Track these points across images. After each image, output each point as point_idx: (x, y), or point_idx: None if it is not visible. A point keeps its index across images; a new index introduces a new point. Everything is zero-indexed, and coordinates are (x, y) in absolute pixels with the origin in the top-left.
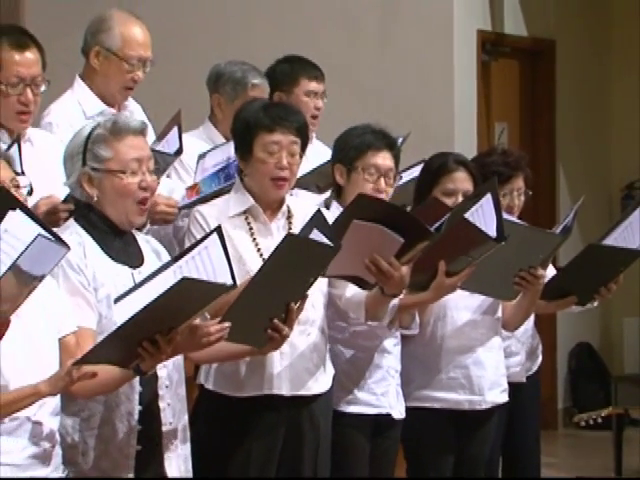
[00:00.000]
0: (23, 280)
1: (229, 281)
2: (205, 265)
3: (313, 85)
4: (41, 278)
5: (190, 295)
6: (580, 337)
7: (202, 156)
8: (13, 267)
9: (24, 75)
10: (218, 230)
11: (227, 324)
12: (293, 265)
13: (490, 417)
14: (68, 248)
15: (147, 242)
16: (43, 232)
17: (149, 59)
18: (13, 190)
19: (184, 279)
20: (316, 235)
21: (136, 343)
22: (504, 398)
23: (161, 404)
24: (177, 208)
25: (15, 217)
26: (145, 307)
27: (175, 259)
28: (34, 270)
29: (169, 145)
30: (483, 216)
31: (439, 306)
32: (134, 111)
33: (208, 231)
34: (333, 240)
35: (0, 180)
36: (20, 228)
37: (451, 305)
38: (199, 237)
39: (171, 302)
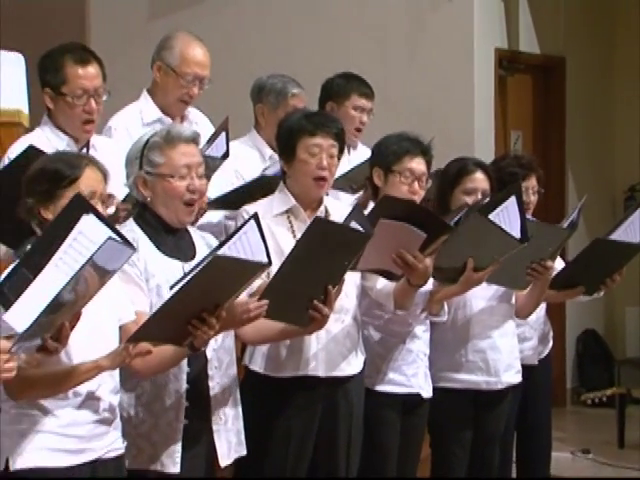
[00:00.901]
0: (101, 278)
1: (265, 259)
2: (245, 248)
3: (362, 101)
4: (110, 276)
5: (227, 273)
6: (586, 324)
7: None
8: (91, 266)
9: (87, 87)
10: (255, 217)
11: (265, 302)
12: (326, 249)
13: (505, 396)
14: (134, 249)
15: (202, 238)
16: (113, 235)
17: (206, 78)
18: (98, 203)
19: (215, 257)
20: (354, 226)
21: (185, 322)
22: (518, 379)
23: (210, 383)
24: (207, 203)
25: (88, 220)
26: (184, 284)
27: (219, 246)
28: (106, 268)
29: (217, 149)
30: (508, 218)
31: (459, 296)
32: (198, 122)
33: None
34: (369, 230)
35: (91, 185)
36: (93, 231)
37: (469, 295)
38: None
39: (208, 280)
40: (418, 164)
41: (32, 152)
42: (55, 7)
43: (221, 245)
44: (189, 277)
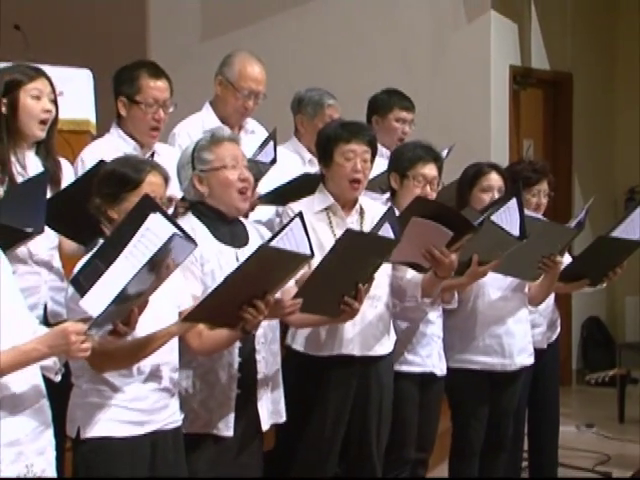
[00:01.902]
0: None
1: (308, 252)
2: (290, 242)
3: (404, 114)
4: (174, 268)
5: (273, 263)
6: (590, 312)
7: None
8: (157, 259)
9: (158, 98)
10: (300, 215)
11: (299, 300)
12: (356, 253)
13: (518, 376)
14: (196, 245)
15: (256, 230)
16: (177, 231)
17: (261, 92)
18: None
19: (261, 247)
20: (386, 228)
21: (237, 307)
22: (530, 361)
23: (257, 357)
24: (257, 198)
25: (155, 219)
26: (235, 271)
27: (269, 240)
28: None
29: (266, 156)
30: (509, 217)
31: (478, 286)
32: (255, 130)
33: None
34: (397, 233)
35: (152, 190)
36: (159, 228)
37: (487, 285)
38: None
39: (257, 268)
40: (430, 170)
41: (102, 166)
42: (119, 28)
43: (271, 239)
44: (239, 265)
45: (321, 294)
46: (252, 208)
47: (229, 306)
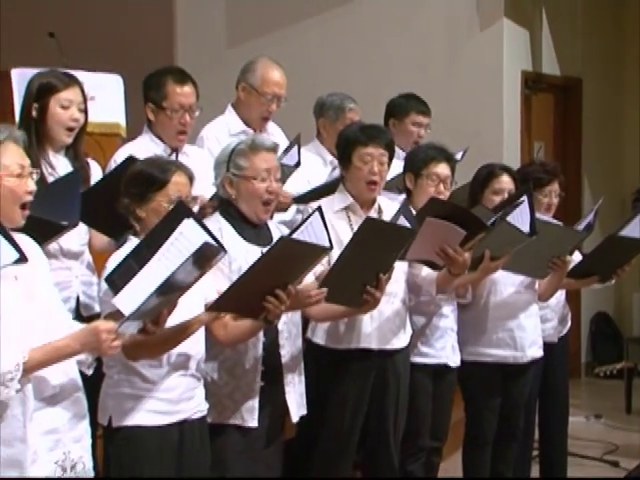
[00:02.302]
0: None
1: (327, 244)
2: (310, 235)
3: (420, 118)
4: (203, 273)
5: (294, 254)
6: (599, 307)
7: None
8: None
9: (184, 103)
10: (319, 209)
11: (324, 289)
12: (377, 243)
13: (529, 368)
14: (225, 252)
15: (279, 230)
16: (208, 239)
17: (282, 96)
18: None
19: (282, 238)
20: (402, 221)
21: (260, 297)
22: (540, 353)
23: (282, 352)
24: (291, 199)
25: (188, 224)
26: (257, 262)
27: (290, 234)
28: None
29: (291, 159)
30: (520, 215)
31: (491, 282)
32: (274, 133)
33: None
34: (414, 225)
35: (177, 190)
36: (191, 233)
37: (500, 282)
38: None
39: (278, 260)
40: (443, 169)
41: (132, 162)
42: (148, 36)
43: (292, 232)
44: (261, 256)
45: (344, 284)
46: (285, 209)
47: (252, 296)
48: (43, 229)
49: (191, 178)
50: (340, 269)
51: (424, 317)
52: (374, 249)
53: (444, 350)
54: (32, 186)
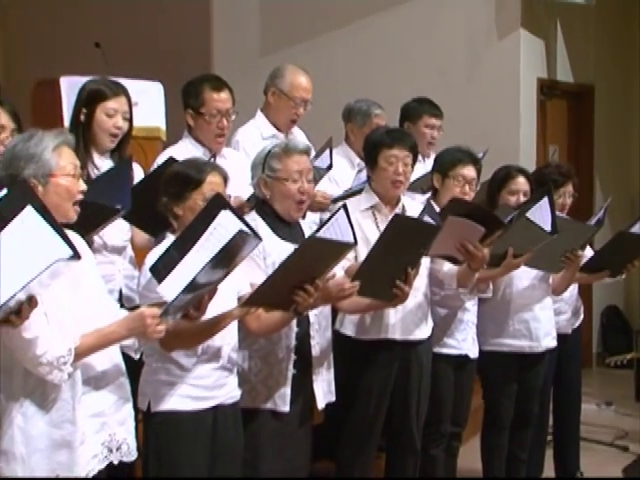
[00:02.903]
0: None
1: (351, 240)
2: (336, 231)
3: (432, 120)
4: (240, 260)
5: (320, 251)
6: (609, 301)
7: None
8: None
9: (221, 109)
10: (344, 207)
11: (356, 283)
12: (404, 239)
13: (544, 357)
14: (260, 239)
15: (310, 229)
16: (244, 228)
17: (309, 101)
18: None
19: (311, 237)
20: (427, 219)
21: (290, 291)
22: (554, 343)
23: (312, 342)
24: (330, 200)
25: (225, 215)
26: (287, 259)
27: (316, 231)
28: (237, 254)
29: (323, 162)
30: (541, 214)
31: (508, 277)
32: (297, 136)
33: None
34: (438, 222)
35: (212, 189)
36: (228, 223)
37: (516, 276)
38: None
39: (306, 256)
40: (469, 171)
41: (171, 162)
42: (187, 45)
43: (318, 230)
44: (291, 254)
45: (375, 278)
46: (323, 210)
47: (283, 290)
48: (97, 214)
49: (225, 178)
50: (371, 264)
51: (449, 311)
52: (402, 245)
53: (465, 342)
54: (83, 185)
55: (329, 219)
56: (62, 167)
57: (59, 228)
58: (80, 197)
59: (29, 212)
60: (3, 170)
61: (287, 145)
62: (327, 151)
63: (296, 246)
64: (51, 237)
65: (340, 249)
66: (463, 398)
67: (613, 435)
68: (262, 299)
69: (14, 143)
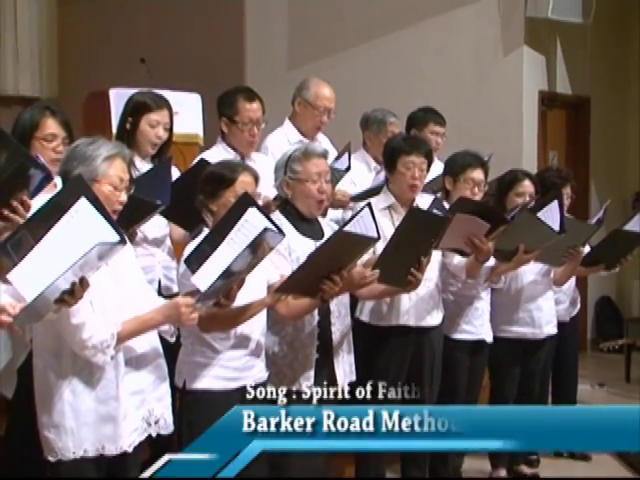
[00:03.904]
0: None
1: (375, 235)
2: (361, 227)
3: (437, 128)
4: (267, 253)
5: (347, 244)
6: (603, 292)
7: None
8: (253, 245)
9: (253, 117)
10: (369, 204)
11: (376, 271)
12: (418, 230)
13: (545, 343)
14: (284, 235)
15: (328, 225)
16: (269, 224)
17: (332, 109)
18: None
19: (339, 231)
20: (435, 212)
21: (318, 280)
22: (555, 330)
23: (333, 328)
24: (349, 198)
25: (252, 212)
26: (316, 250)
27: (343, 226)
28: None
29: (342, 164)
30: (551, 215)
31: (516, 271)
32: (322, 142)
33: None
34: (447, 215)
35: (243, 188)
36: (255, 220)
37: (521, 270)
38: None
39: (334, 248)
40: (478, 174)
41: (204, 163)
42: (222, 59)
43: (344, 225)
44: (319, 246)
45: (393, 266)
46: (344, 207)
47: (311, 279)
48: (139, 208)
49: (257, 178)
50: (389, 253)
51: (466, 299)
52: (417, 235)
53: (483, 327)
54: (124, 197)
55: (354, 215)
56: (108, 176)
57: (110, 217)
58: (119, 208)
59: (83, 203)
60: (61, 165)
61: (306, 149)
62: (346, 154)
63: (316, 242)
64: (102, 224)
65: (365, 243)
66: (475, 379)
67: None
68: (292, 287)
69: (77, 143)
